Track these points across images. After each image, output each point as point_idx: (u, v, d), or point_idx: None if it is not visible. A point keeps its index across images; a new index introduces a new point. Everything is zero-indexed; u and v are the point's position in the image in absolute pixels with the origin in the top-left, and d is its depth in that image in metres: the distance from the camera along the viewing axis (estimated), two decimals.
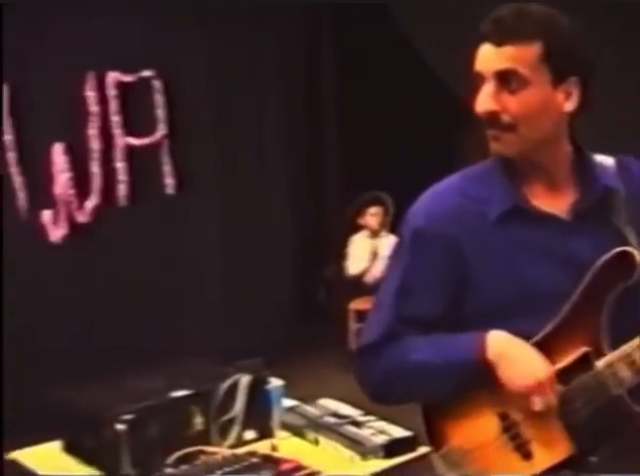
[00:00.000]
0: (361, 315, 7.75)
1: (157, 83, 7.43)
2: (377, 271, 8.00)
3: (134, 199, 7.45)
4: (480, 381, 2.12)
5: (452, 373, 2.15)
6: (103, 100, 7.25)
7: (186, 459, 3.23)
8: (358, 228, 8.66)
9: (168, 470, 3.13)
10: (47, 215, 7.08)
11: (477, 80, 2.12)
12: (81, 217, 7.24)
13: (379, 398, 2.31)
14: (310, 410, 3.72)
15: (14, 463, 3.49)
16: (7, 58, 6.71)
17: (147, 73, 7.37)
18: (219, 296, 7.93)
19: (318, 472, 3.06)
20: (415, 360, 2.18)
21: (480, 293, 2.16)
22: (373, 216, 8.53)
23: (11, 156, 6.87)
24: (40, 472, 3.36)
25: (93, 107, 7.21)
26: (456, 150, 8.59)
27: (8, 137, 6.84)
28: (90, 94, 7.18)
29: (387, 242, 8.02)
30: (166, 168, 7.58)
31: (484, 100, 2.10)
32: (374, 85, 8.73)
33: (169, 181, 7.61)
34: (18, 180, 6.90)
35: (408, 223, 2.25)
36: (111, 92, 7.25)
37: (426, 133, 8.83)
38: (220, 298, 7.92)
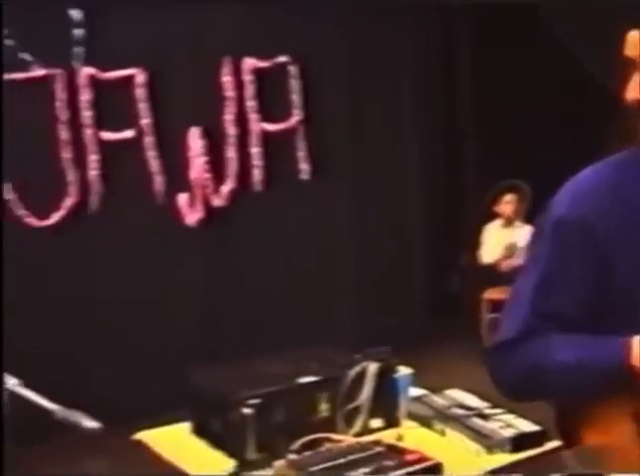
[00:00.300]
0: (494, 305, 7.67)
1: (292, 69, 7.45)
2: (513, 261, 7.91)
3: (268, 184, 7.49)
4: (622, 385, 2.03)
5: (594, 376, 2.04)
6: (239, 86, 7.30)
7: (311, 446, 3.22)
8: (494, 216, 8.57)
9: (293, 456, 3.12)
10: (183, 199, 7.17)
11: (627, 67, 2.02)
12: (217, 201, 7.31)
13: (514, 395, 2.23)
14: (438, 400, 3.67)
15: (139, 444, 3.54)
16: (144, 44, 6.84)
17: (282, 59, 7.41)
18: (350, 282, 7.93)
19: (441, 464, 3.01)
20: (556, 360, 2.08)
21: (623, 288, 2.06)
22: (507, 204, 8.45)
23: (148, 140, 6.98)
24: (164, 454, 3.40)
25: (229, 92, 7.27)
26: (596, 139, 8.41)
27: (146, 121, 6.95)
28: (227, 80, 7.25)
29: (522, 232, 7.92)
30: (301, 153, 7.60)
31: (636, 88, 2.00)
32: (513, 74, 8.61)
33: (304, 167, 7.63)
34: (155, 164, 7.01)
35: (550, 213, 2.16)
36: (247, 78, 7.31)
37: (566, 122, 8.68)
38: (351, 285, 7.92)
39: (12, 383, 2.63)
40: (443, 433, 3.40)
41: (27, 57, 6.52)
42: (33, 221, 6.63)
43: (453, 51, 8.77)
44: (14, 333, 6.29)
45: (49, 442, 5.23)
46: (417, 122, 8.32)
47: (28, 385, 2.61)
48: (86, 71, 6.74)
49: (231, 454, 3.26)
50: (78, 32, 6.68)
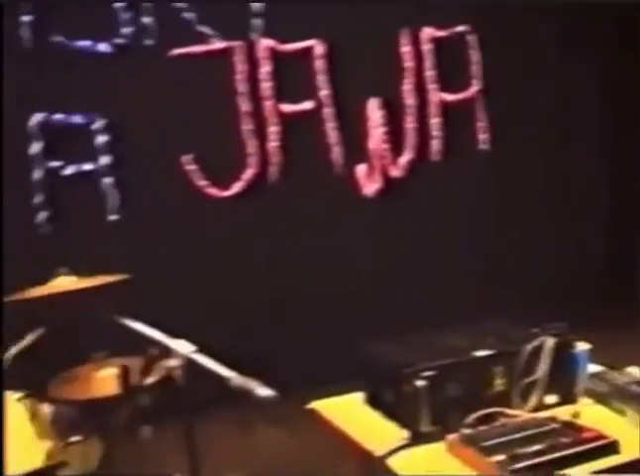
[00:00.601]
0: None
1: (471, 39, 7.36)
2: None
3: (447, 155, 7.44)
4: None
5: None
6: (418, 56, 7.26)
7: (485, 420, 3.19)
8: None
9: (467, 430, 3.10)
10: (361, 170, 7.19)
11: None
12: (395, 172, 7.30)
13: None
14: (617, 377, 3.57)
15: (312, 412, 3.58)
16: (322, 15, 6.87)
17: (461, 28, 7.32)
18: (530, 255, 7.80)
19: (618, 443, 2.92)
20: None
21: None
22: None
23: (327, 111, 7.02)
24: (337, 423, 3.43)
25: (408, 63, 7.24)
26: None
27: (325, 92, 6.99)
28: (405, 50, 7.21)
29: None
30: (480, 123, 7.51)
31: None
32: None
33: (483, 137, 7.54)
34: (334, 135, 7.05)
35: None
36: (425, 47, 7.25)
37: None
38: (530, 259, 7.80)
39: (188, 350, 2.70)
40: (622, 412, 3.30)
41: (206, 30, 6.65)
42: (213, 192, 6.77)
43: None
44: (192, 301, 6.49)
45: (224, 410, 5.35)
46: (597, 94, 8.09)
47: (205, 352, 2.67)
48: (265, 43, 6.83)
49: (404, 425, 3.26)
50: (257, 4, 6.77)
